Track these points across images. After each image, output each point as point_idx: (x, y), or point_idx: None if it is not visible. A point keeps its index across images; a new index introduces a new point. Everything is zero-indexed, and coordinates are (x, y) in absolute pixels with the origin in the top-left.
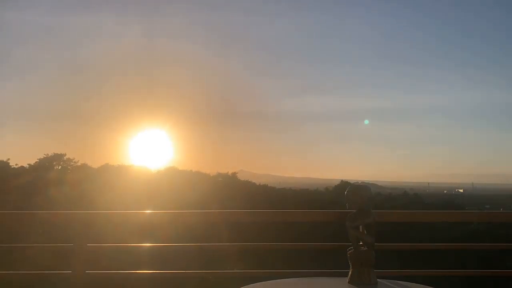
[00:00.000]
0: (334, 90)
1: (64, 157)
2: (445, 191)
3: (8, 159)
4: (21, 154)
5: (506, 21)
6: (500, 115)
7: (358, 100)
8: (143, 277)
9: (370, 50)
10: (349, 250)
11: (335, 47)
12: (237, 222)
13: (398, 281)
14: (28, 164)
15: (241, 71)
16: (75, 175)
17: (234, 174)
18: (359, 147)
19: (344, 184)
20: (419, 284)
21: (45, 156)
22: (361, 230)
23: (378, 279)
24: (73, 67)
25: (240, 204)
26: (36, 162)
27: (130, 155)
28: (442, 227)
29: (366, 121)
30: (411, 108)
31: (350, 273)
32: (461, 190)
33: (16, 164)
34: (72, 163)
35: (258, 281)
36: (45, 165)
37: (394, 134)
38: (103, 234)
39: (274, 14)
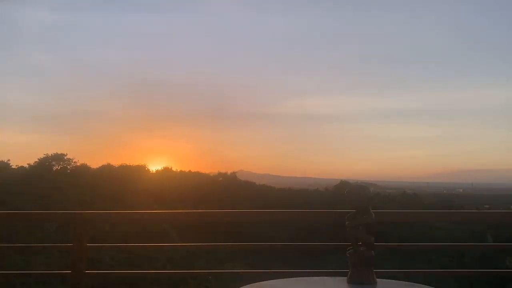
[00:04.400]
0: (334, 90)
1: (64, 157)
2: (444, 191)
3: (8, 160)
4: (21, 154)
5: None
6: (500, 113)
7: (358, 100)
8: (142, 277)
9: (370, 50)
10: (349, 250)
11: (335, 46)
12: (236, 222)
13: (398, 281)
14: (28, 164)
15: (242, 71)
16: (75, 175)
17: (234, 174)
18: (359, 147)
19: (344, 184)
20: (419, 284)
21: (45, 156)
22: (360, 230)
23: (377, 279)
24: (74, 66)
25: (240, 204)
26: (36, 162)
27: (131, 155)
28: (442, 227)
29: None
30: (411, 108)
31: (349, 273)
32: (461, 190)
33: (16, 165)
34: (72, 163)
35: (258, 281)
36: (45, 165)
37: (394, 134)
38: (103, 234)
39: (276, 12)
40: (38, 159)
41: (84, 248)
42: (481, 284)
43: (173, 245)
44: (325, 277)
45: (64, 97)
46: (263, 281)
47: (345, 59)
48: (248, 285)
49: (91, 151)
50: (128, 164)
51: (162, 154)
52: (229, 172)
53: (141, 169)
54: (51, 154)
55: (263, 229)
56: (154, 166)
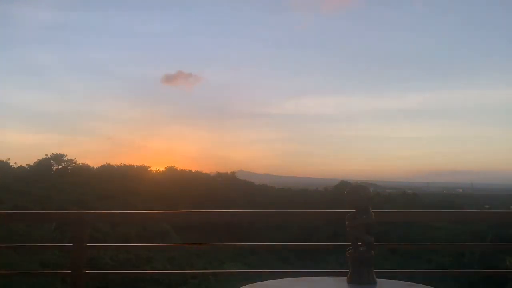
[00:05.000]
0: (333, 90)
1: (64, 157)
2: (444, 191)
3: (8, 159)
4: (22, 154)
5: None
6: (500, 114)
7: (357, 100)
8: (142, 277)
9: (370, 50)
10: (349, 250)
11: (335, 47)
12: (236, 222)
13: (398, 281)
14: (28, 164)
15: (242, 70)
16: (75, 175)
17: (233, 174)
18: (359, 147)
19: (343, 184)
20: (419, 284)
21: (45, 156)
22: (360, 230)
23: (377, 279)
24: (75, 65)
25: (240, 204)
26: (36, 162)
27: (131, 155)
28: (442, 227)
29: None
30: (410, 108)
31: (349, 273)
32: (461, 190)
33: (16, 164)
34: (72, 163)
35: (258, 281)
36: (45, 165)
37: (394, 134)
38: (103, 234)
39: (276, 12)
40: (38, 159)
41: (84, 248)
42: (481, 284)
43: (173, 245)
44: (325, 277)
45: (64, 97)
46: (263, 281)
47: (345, 59)
48: (248, 285)
49: (91, 151)
50: (128, 164)
51: (162, 154)
52: (229, 172)
53: (141, 169)
54: (51, 154)
55: (263, 229)
56: (154, 166)
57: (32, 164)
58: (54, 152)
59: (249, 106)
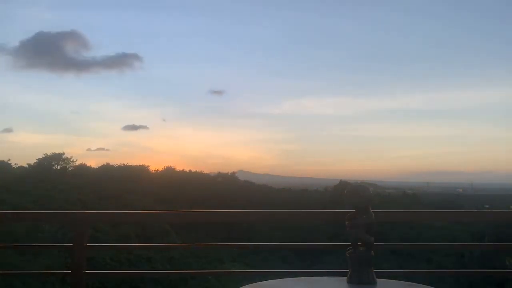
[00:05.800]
0: (333, 90)
1: (64, 157)
2: (444, 191)
3: (9, 159)
4: (23, 154)
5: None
6: (500, 114)
7: (357, 101)
8: (142, 277)
9: (370, 50)
10: (349, 250)
11: (335, 47)
12: (236, 222)
13: (398, 281)
14: (28, 164)
15: (241, 70)
16: (75, 175)
17: (233, 174)
18: (359, 147)
19: (343, 184)
20: (419, 284)
21: (45, 156)
22: (360, 230)
23: (377, 279)
24: (74, 64)
25: (240, 204)
26: (36, 162)
27: (131, 154)
28: (442, 227)
29: None
30: (410, 108)
31: (349, 273)
32: (461, 190)
33: (16, 164)
34: (72, 163)
35: (258, 281)
36: (45, 165)
37: (394, 134)
38: (103, 234)
39: (276, 12)
40: (37, 159)
41: (84, 248)
42: (481, 284)
43: (173, 245)
44: (325, 277)
45: (64, 97)
46: (263, 281)
47: (345, 59)
48: (248, 285)
49: (91, 151)
50: (128, 164)
51: (162, 154)
52: (229, 172)
53: (141, 169)
54: (51, 154)
55: (263, 229)
56: (154, 166)
57: (32, 164)
58: (54, 152)
59: (249, 106)
